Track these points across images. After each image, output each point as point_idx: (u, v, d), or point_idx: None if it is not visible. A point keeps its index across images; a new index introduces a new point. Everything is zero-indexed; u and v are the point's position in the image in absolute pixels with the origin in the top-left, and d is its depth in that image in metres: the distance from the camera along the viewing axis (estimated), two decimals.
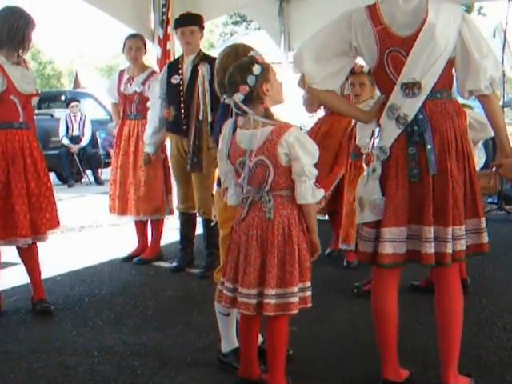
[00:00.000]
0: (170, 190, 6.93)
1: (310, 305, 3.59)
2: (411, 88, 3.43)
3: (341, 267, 6.30)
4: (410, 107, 3.44)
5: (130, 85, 6.85)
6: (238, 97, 3.51)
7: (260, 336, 4.10)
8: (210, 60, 6.05)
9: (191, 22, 6.28)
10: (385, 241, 3.49)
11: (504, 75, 9.71)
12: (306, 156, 3.45)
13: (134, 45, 6.88)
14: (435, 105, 3.47)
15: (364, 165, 3.68)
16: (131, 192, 6.79)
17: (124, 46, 6.92)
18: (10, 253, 5.39)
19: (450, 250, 3.46)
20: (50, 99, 17.09)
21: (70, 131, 14.56)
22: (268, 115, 3.55)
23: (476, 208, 3.55)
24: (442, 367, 3.67)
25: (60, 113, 15.49)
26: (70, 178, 14.61)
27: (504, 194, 9.24)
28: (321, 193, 3.53)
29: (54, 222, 5.29)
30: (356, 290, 5.49)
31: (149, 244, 7.07)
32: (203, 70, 6.00)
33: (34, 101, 5.27)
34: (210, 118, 5.94)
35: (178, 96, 6.15)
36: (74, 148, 14.49)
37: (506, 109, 10.46)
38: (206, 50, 6.68)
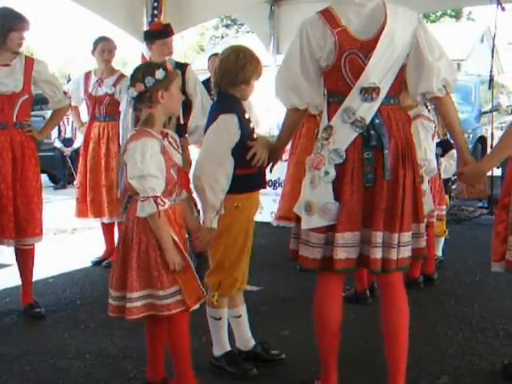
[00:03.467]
0: None
1: (169, 312, 3.58)
2: (370, 93, 3.41)
3: None
4: (367, 111, 3.42)
5: (100, 86, 6.89)
6: (132, 92, 3.56)
7: (252, 339, 4.12)
8: (181, 66, 6.21)
9: (170, 33, 6.36)
10: (338, 246, 3.45)
11: (492, 80, 9.80)
12: (131, 168, 3.48)
13: (108, 47, 6.96)
14: (390, 110, 3.47)
15: (307, 168, 3.57)
16: (104, 194, 6.80)
17: (95, 48, 6.96)
18: (3, 254, 5.38)
19: (394, 257, 3.45)
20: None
21: (62, 133, 14.49)
22: (148, 121, 3.57)
23: (417, 213, 3.54)
24: (389, 379, 3.64)
25: None
26: (63, 180, 14.58)
27: (494, 198, 9.25)
28: (149, 208, 3.44)
29: (37, 231, 5.26)
30: (344, 294, 5.50)
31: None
32: None
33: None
34: (182, 121, 6.08)
35: None
36: (67, 151, 14.45)
37: (494, 113, 10.51)
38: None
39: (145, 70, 3.60)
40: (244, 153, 3.85)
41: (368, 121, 3.41)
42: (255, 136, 4.01)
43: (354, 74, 3.44)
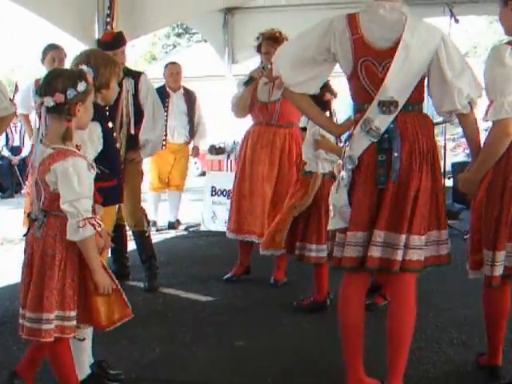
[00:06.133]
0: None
1: (71, 335, 3.46)
2: (388, 106, 3.48)
3: (285, 282, 6.28)
4: (383, 121, 3.49)
5: None
6: (49, 101, 3.32)
7: (91, 358, 4.04)
8: (134, 75, 6.13)
9: (112, 47, 6.08)
10: (349, 244, 3.52)
11: None
12: (67, 192, 3.28)
13: (58, 56, 6.89)
14: (407, 117, 3.53)
15: (336, 173, 3.67)
16: None
17: (44, 56, 6.85)
18: None
19: (399, 258, 3.48)
20: None
21: (10, 142, 14.31)
22: (66, 136, 3.36)
23: (438, 219, 3.62)
24: (388, 378, 3.65)
25: None
26: (10, 189, 14.37)
27: (446, 209, 9.25)
28: (87, 232, 3.30)
29: None
30: (296, 304, 5.51)
31: None
32: (127, 84, 6.00)
33: None
34: (132, 131, 5.97)
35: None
36: (15, 160, 14.25)
37: (447, 124, 10.58)
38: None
39: (66, 79, 3.37)
40: (103, 164, 3.66)
41: (383, 130, 3.49)
42: (118, 146, 3.92)
43: (370, 80, 3.53)
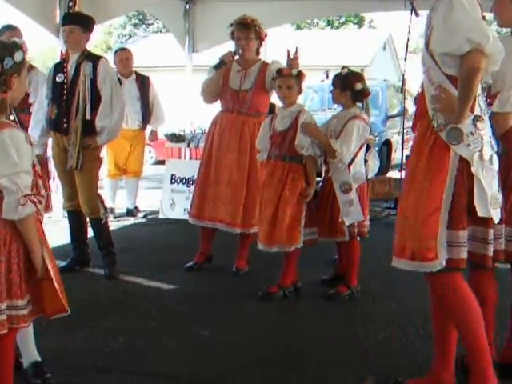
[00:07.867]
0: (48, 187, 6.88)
1: (25, 325, 3.25)
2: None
3: (247, 271, 6.27)
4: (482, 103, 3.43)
5: None
6: None
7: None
8: (93, 59, 6.05)
9: (70, 21, 6.18)
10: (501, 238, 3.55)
11: (404, 84, 10.02)
12: (5, 165, 3.03)
13: (14, 36, 6.70)
14: None
15: (479, 162, 3.28)
16: None
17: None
18: None
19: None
20: None
21: None
22: (1, 108, 3.12)
23: None
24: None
25: None
26: None
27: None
28: (28, 209, 3.07)
29: None
30: (260, 294, 5.47)
31: None
32: (86, 68, 5.92)
33: None
34: (88, 117, 5.88)
35: (61, 94, 6.00)
36: None
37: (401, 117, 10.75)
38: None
39: (2, 48, 3.13)
40: None
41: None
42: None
43: None
